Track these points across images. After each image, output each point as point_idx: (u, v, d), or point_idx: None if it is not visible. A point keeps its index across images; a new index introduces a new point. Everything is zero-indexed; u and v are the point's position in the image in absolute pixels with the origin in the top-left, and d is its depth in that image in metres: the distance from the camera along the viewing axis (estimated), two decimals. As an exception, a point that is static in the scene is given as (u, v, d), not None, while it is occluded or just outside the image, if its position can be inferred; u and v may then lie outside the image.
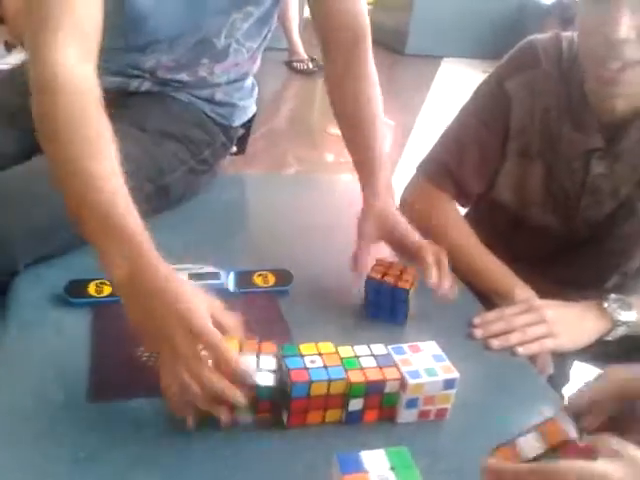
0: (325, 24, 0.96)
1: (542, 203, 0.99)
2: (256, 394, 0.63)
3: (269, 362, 0.66)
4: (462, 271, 0.96)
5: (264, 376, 0.64)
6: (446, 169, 1.02)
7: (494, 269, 0.95)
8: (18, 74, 1.08)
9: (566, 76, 0.93)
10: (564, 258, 1.00)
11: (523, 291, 0.90)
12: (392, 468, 0.53)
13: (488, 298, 0.94)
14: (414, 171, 1.08)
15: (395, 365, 0.67)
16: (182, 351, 0.59)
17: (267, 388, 0.64)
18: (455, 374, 0.67)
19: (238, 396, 0.60)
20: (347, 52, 0.96)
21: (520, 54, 0.98)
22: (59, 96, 0.68)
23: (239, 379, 0.60)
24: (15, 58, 3.10)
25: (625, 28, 0.78)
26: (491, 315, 0.87)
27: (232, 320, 0.65)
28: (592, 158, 0.93)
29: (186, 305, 0.60)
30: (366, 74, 0.96)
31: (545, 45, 0.95)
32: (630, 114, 0.89)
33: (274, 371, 0.65)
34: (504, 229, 1.02)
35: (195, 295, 0.62)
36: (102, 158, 0.67)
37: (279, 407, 0.66)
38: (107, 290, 0.80)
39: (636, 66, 0.82)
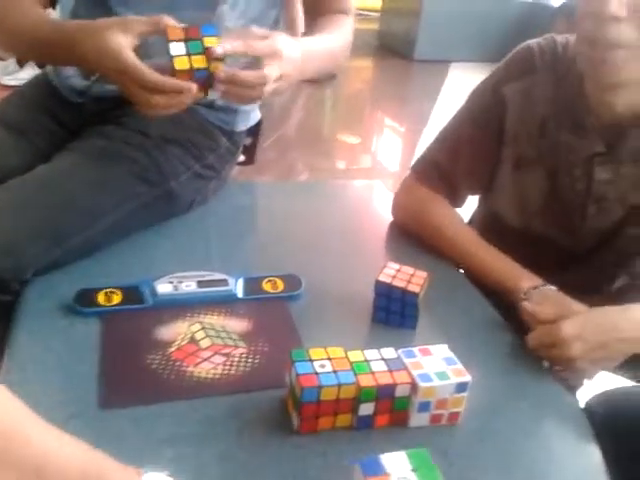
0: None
1: (543, 214, 0.97)
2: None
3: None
4: (465, 269, 0.95)
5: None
6: (438, 168, 1.02)
7: (496, 263, 0.93)
8: (28, 90, 1.09)
9: (563, 80, 0.92)
10: (570, 265, 0.98)
11: (530, 281, 0.88)
12: (413, 470, 0.52)
13: (496, 294, 0.92)
14: (409, 171, 1.07)
15: (406, 369, 0.66)
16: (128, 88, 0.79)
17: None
18: (467, 377, 0.66)
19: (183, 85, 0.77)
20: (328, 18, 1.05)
21: (517, 59, 0.96)
22: None
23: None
24: (26, 74, 3.15)
25: (615, 4, 0.75)
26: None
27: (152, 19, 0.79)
28: (595, 164, 0.91)
29: (105, 50, 0.77)
30: (341, 26, 1.04)
31: (541, 50, 0.94)
32: (631, 117, 0.86)
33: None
34: (508, 240, 0.99)
35: (106, 31, 0.78)
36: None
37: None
38: (116, 299, 0.80)
39: (630, 50, 0.78)
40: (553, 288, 0.87)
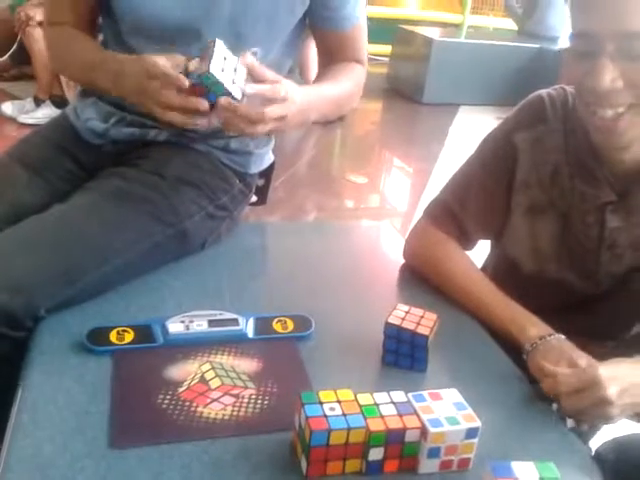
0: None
1: (557, 259, 0.97)
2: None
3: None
4: (474, 314, 0.96)
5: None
6: (450, 213, 1.03)
7: (505, 311, 0.92)
8: (47, 130, 1.12)
9: (573, 130, 0.93)
10: (586, 309, 0.98)
11: (537, 331, 0.87)
12: (541, 479, 0.55)
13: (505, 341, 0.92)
14: (422, 215, 1.09)
15: (415, 413, 0.66)
16: (148, 90, 0.86)
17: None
18: (477, 423, 0.66)
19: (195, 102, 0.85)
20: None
21: (528, 109, 0.97)
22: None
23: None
24: (42, 113, 3.22)
25: (608, 79, 0.78)
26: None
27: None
28: (606, 212, 0.92)
29: (137, 59, 0.88)
30: (351, 74, 1.09)
31: (552, 100, 0.95)
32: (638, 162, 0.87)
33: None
34: (522, 285, 0.99)
35: (150, 56, 0.87)
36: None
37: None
38: (128, 338, 0.81)
39: (634, 109, 0.80)
40: (561, 337, 0.86)
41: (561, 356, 0.82)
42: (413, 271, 1.08)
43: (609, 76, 0.78)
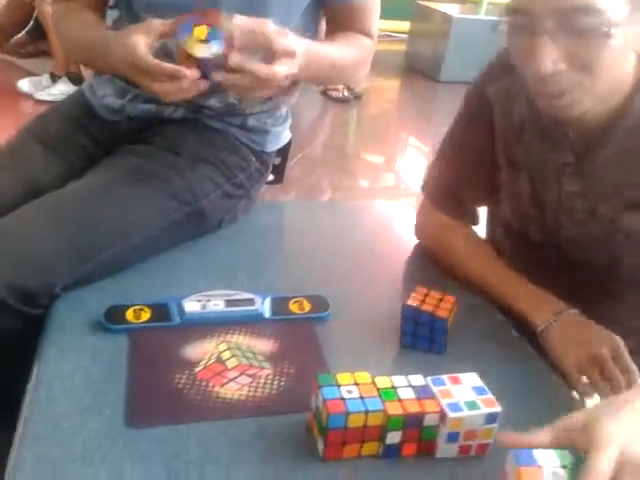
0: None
1: (534, 220, 0.94)
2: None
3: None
4: (487, 297, 0.94)
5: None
6: (446, 188, 1.01)
7: (516, 292, 0.91)
8: (63, 107, 1.11)
9: None
10: (572, 271, 0.92)
11: (549, 310, 0.86)
12: (563, 466, 0.54)
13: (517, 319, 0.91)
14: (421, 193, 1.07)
15: (434, 397, 0.65)
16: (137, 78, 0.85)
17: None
18: (497, 408, 0.65)
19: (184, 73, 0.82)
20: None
21: (497, 61, 0.93)
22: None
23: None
24: (58, 89, 3.22)
25: (549, 61, 0.71)
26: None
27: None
28: (564, 174, 0.86)
29: (124, 47, 0.84)
30: (356, 43, 1.04)
31: None
32: (602, 122, 0.80)
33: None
34: (517, 248, 0.98)
35: (131, 33, 0.84)
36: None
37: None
38: (145, 316, 0.80)
39: (578, 90, 0.74)
40: (574, 313, 0.85)
41: (580, 344, 0.82)
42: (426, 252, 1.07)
43: (550, 57, 0.71)
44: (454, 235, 1.01)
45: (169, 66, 0.82)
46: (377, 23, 1.09)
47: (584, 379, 0.81)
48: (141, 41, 0.82)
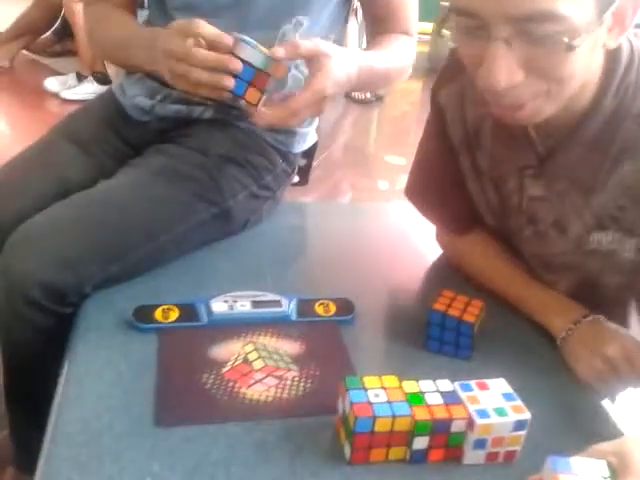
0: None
1: (504, 228, 0.90)
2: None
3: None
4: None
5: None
6: (423, 192, 0.98)
7: (532, 299, 0.89)
8: (94, 107, 1.13)
9: None
10: (554, 272, 0.89)
11: (566, 319, 0.84)
12: (603, 478, 0.53)
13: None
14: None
15: (462, 403, 0.65)
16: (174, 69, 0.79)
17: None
18: (527, 415, 0.64)
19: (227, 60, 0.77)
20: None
21: (449, 62, 0.87)
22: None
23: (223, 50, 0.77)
24: (85, 89, 3.26)
25: (504, 74, 0.63)
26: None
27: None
28: (525, 177, 0.80)
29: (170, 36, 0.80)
30: (402, 47, 1.03)
31: None
32: (567, 122, 0.74)
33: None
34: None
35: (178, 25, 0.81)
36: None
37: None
38: (173, 316, 0.81)
39: (537, 100, 0.67)
40: (591, 318, 0.82)
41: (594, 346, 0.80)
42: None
43: (506, 68, 0.63)
44: (465, 246, 0.98)
45: (212, 54, 0.77)
46: (416, 21, 1.08)
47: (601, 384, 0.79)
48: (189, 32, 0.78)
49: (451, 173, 0.92)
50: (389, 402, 0.64)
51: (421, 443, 0.64)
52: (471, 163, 0.89)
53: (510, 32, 0.62)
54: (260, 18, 0.95)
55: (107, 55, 1.09)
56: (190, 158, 0.99)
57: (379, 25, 1.06)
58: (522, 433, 0.65)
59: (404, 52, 1.03)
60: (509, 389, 0.67)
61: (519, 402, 0.65)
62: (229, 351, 0.78)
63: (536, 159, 0.79)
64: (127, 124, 1.07)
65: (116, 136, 1.07)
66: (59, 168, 1.01)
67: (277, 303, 0.85)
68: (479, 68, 0.66)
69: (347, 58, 0.85)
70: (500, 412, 0.64)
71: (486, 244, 0.95)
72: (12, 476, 1.05)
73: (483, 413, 0.64)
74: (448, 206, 0.96)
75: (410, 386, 0.66)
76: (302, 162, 1.19)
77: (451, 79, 0.87)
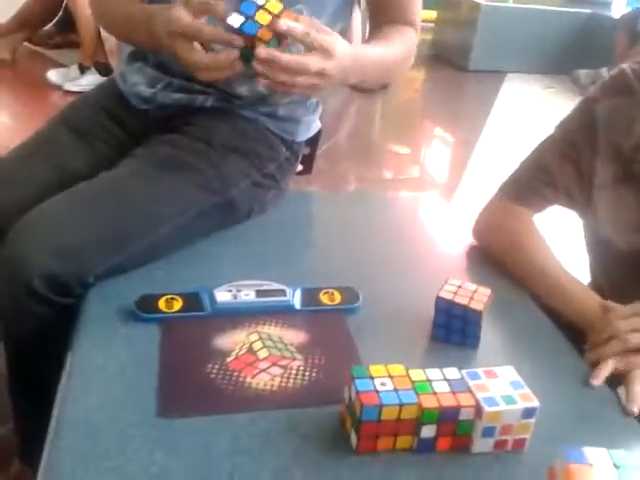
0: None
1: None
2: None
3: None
4: (542, 292, 0.92)
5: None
6: (527, 185, 0.99)
7: (575, 289, 0.90)
8: (94, 96, 1.12)
9: None
10: None
11: (610, 308, 0.84)
12: (615, 465, 0.52)
13: (572, 326, 0.88)
14: (495, 193, 1.05)
15: (470, 391, 0.64)
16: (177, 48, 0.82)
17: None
18: (535, 402, 0.63)
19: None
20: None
21: (612, 81, 0.94)
22: None
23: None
24: (87, 80, 3.24)
25: None
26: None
27: None
28: None
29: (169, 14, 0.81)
30: (403, 38, 1.02)
31: (636, 73, 0.91)
32: None
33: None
34: (621, 265, 0.96)
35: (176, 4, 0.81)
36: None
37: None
38: (177, 305, 0.80)
39: None
40: None
41: None
42: (474, 248, 1.05)
43: None
44: (527, 227, 0.99)
45: (214, 30, 0.79)
46: (420, 11, 1.06)
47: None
48: (181, 10, 0.80)
49: (573, 172, 0.96)
50: (396, 390, 0.63)
51: (429, 431, 0.63)
52: (613, 172, 0.93)
53: None
54: None
55: (113, 33, 1.07)
56: (192, 148, 0.98)
57: (383, 15, 1.04)
58: (531, 421, 0.64)
59: (404, 43, 1.02)
60: (517, 377, 0.66)
61: (527, 390, 0.65)
62: (233, 341, 0.77)
63: None
64: (128, 112, 1.06)
65: (116, 125, 1.06)
66: (60, 157, 1.00)
67: (281, 292, 0.84)
68: None
69: (351, 52, 0.85)
70: (508, 400, 0.63)
71: (543, 237, 0.99)
72: (17, 469, 1.06)
73: (491, 401, 0.63)
74: (557, 177, 0.98)
75: (417, 374, 0.65)
76: (306, 151, 1.18)
77: (613, 96, 0.93)
